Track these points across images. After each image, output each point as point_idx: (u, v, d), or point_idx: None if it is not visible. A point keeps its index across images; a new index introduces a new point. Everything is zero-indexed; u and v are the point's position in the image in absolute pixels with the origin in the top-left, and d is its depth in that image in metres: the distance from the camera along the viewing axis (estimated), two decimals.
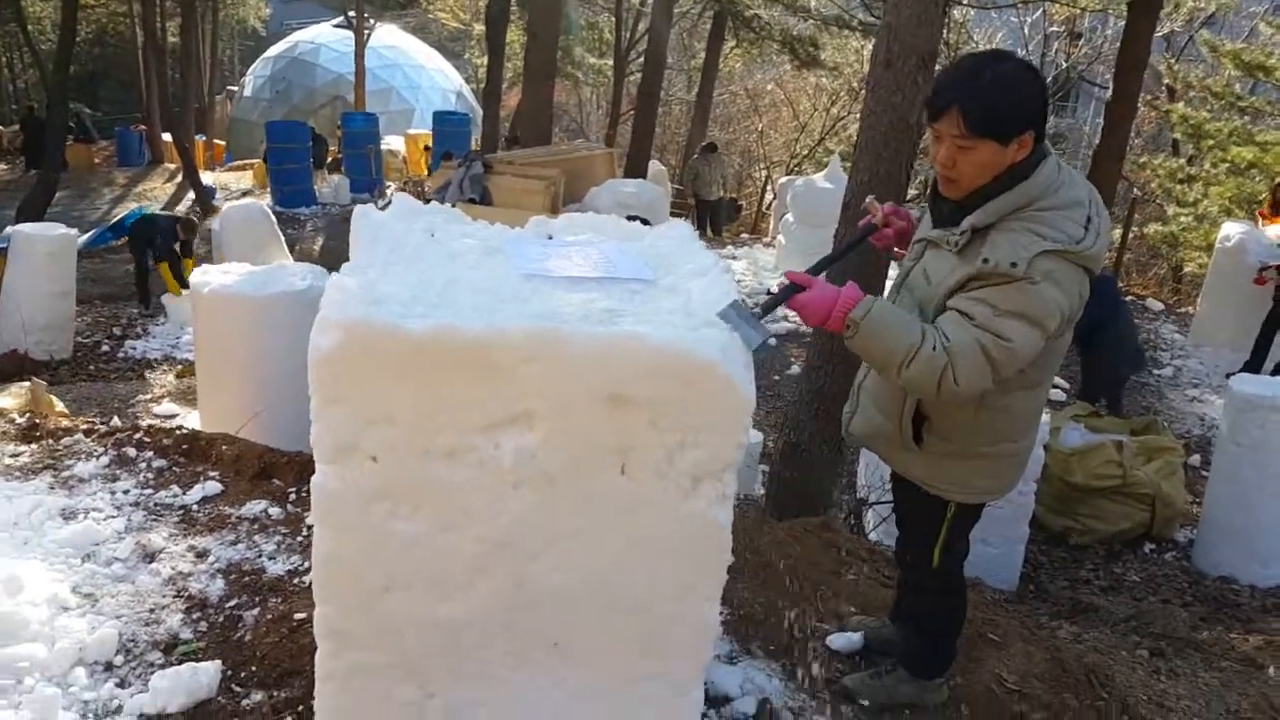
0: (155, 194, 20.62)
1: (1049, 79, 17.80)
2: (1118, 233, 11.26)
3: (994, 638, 2.95)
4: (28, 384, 5.47)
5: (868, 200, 2.49)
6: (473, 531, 1.90)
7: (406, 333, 1.74)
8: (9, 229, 9.19)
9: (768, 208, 18.18)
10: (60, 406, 5.59)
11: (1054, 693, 2.75)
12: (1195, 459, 6.77)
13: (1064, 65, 17.77)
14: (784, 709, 2.53)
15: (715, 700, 2.54)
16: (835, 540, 3.50)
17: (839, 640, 2.84)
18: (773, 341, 1.89)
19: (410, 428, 1.82)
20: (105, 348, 9.15)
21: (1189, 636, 3.68)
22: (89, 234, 15.16)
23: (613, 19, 20.01)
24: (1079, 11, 15.37)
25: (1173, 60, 15.42)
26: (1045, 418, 4.75)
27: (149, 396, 7.30)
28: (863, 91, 7.04)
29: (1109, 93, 9.82)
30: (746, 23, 15.59)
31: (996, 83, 1.99)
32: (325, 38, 30.34)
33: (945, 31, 15.64)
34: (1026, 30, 17.31)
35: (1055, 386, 7.80)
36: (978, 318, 1.98)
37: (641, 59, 16.24)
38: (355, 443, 1.82)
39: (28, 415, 3.78)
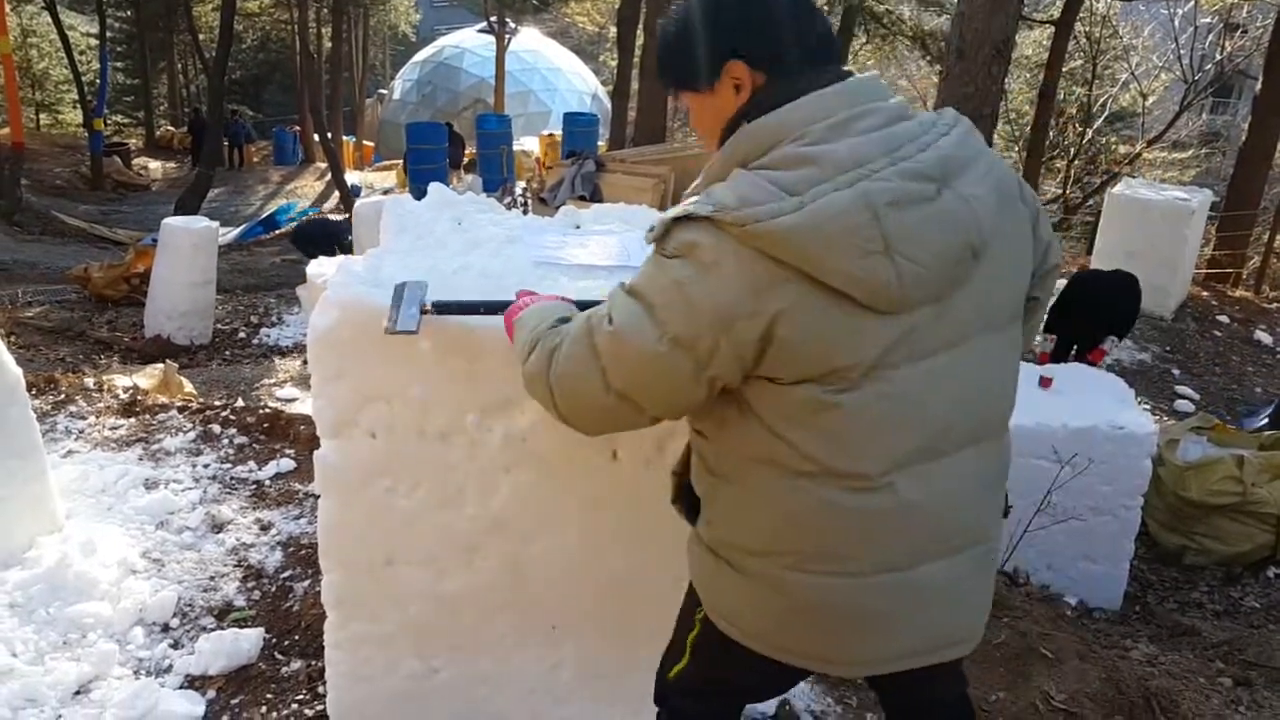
0: (305, 191, 21.78)
1: (1206, 75, 16.72)
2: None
3: (1047, 653, 2.80)
4: (162, 366, 5.89)
5: None
6: (468, 511, 1.95)
7: None
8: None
9: None
10: (189, 387, 5.98)
11: (1105, 714, 2.60)
12: None
13: (1219, 58, 16.61)
14: (805, 712, 2.48)
15: None
16: None
17: None
18: (414, 331, 1.66)
19: (405, 408, 1.88)
20: (242, 334, 9.69)
21: None
22: (240, 228, 16.17)
23: None
24: (1232, 1, 14.39)
25: None
26: (1154, 428, 4.46)
27: (273, 380, 7.71)
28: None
29: (1259, 85, 9.14)
30: (876, 18, 15.28)
31: (675, 13, 1.47)
32: (469, 43, 31.38)
33: (1082, 25, 14.86)
34: (1177, 23, 16.27)
35: (1183, 398, 7.33)
36: (609, 296, 1.41)
37: None
38: (354, 419, 1.89)
39: (130, 391, 4.07)
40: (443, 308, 1.74)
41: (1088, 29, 16.27)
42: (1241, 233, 10.77)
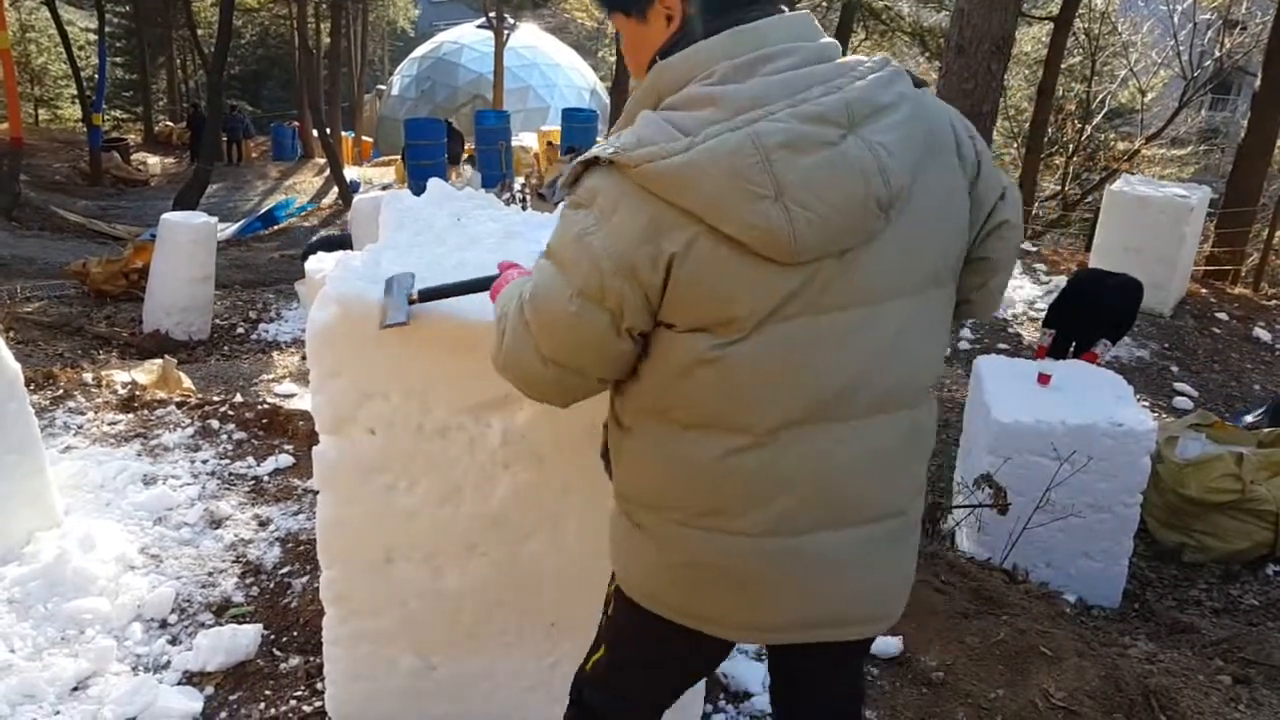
0: (303, 187, 21.75)
1: (1205, 71, 16.72)
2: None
3: (1046, 651, 2.80)
4: (161, 361, 5.89)
5: None
6: (467, 508, 1.95)
7: None
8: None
9: None
10: (187, 383, 5.98)
11: (1104, 712, 2.59)
12: None
13: (1218, 55, 16.61)
14: None
15: (735, 695, 2.52)
16: None
17: (878, 644, 2.75)
18: (404, 322, 1.69)
19: (404, 404, 1.87)
20: (240, 330, 9.68)
21: None
22: (239, 223, 16.16)
23: None
24: None
25: None
26: (1153, 425, 4.45)
27: (272, 376, 7.70)
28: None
29: (1258, 81, 9.12)
30: (875, 14, 15.27)
31: None
32: (468, 38, 31.37)
33: (1081, 22, 14.88)
34: (1176, 19, 16.26)
35: (1182, 395, 7.33)
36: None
37: None
38: (353, 415, 1.89)
39: (128, 386, 4.07)
40: (426, 294, 1.72)
41: (1087, 25, 16.30)
42: (1240, 229, 10.79)
